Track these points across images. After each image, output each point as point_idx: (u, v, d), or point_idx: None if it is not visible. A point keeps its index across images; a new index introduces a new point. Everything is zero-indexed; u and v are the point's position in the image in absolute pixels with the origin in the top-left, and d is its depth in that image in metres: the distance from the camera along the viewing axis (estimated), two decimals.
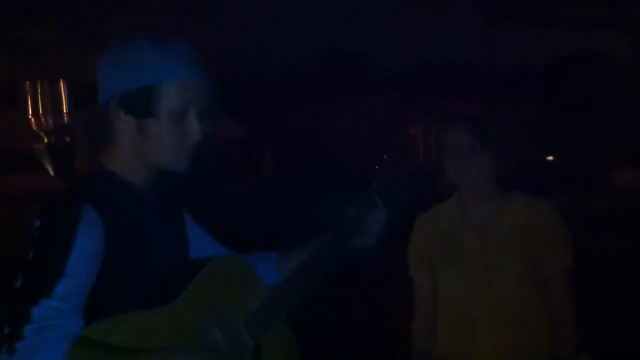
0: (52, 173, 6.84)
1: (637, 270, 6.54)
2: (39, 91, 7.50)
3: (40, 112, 7.42)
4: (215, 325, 1.70)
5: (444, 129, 2.58)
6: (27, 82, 7.52)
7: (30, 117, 7.43)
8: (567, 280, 2.61)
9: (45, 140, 7.19)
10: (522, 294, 2.55)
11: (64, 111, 7.34)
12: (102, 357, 1.49)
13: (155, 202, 1.80)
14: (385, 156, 2.11)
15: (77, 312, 1.50)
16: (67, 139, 7.07)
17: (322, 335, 5.06)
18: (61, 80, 7.50)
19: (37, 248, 1.52)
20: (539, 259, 2.57)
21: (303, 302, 1.94)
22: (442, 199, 2.77)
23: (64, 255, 1.51)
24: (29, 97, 7.54)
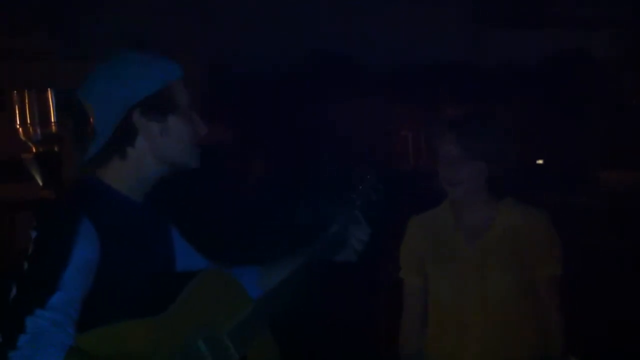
0: (40, 183, 6.84)
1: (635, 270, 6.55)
2: (26, 100, 7.49)
3: (28, 121, 7.41)
4: (201, 337, 1.73)
5: (436, 136, 2.62)
6: (15, 90, 7.51)
7: (18, 126, 7.42)
8: (556, 287, 2.64)
9: (34, 150, 7.18)
10: (513, 299, 2.58)
11: (52, 120, 7.33)
12: None
13: (148, 216, 1.86)
14: (368, 174, 2.15)
15: (71, 323, 1.54)
16: (56, 149, 7.06)
17: (308, 339, 5.07)
18: (49, 89, 7.50)
19: (33, 259, 1.56)
20: (529, 265, 2.60)
21: (288, 312, 1.98)
22: (431, 206, 2.81)
23: (61, 268, 1.55)
24: (16, 106, 7.53)
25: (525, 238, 2.58)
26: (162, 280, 1.80)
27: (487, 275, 2.57)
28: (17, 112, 7.46)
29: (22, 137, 7.25)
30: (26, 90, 7.42)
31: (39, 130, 7.31)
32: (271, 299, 1.95)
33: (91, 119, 1.77)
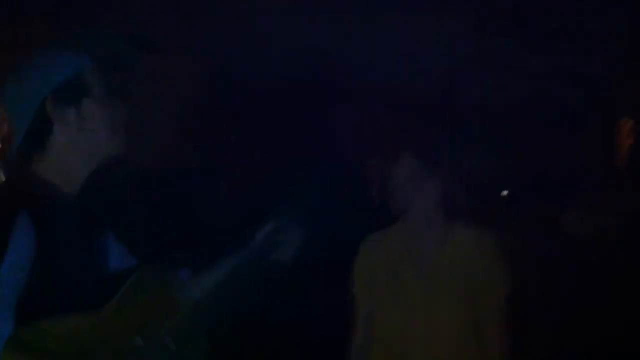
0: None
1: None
2: None
3: None
4: (140, 335, 1.72)
5: (389, 159, 2.58)
6: None
7: None
8: (503, 313, 2.58)
9: None
10: (459, 325, 2.56)
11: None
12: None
13: (84, 211, 1.83)
14: (314, 179, 2.15)
15: (7, 312, 1.51)
16: None
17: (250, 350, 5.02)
18: None
19: None
20: (479, 291, 2.57)
21: (227, 317, 1.97)
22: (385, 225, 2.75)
23: None
24: None
25: (475, 263, 2.56)
26: (97, 276, 1.78)
27: (434, 301, 2.55)
28: None
29: None
30: None
31: None
32: (209, 298, 1.94)
33: (9, 120, 1.77)
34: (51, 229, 1.64)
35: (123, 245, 2.02)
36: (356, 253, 2.80)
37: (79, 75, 1.78)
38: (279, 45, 5.34)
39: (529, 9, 5.17)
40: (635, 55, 6.07)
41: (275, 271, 2.18)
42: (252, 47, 5.34)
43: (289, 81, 5.86)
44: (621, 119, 7.65)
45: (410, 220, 2.61)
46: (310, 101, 6.24)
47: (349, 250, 2.83)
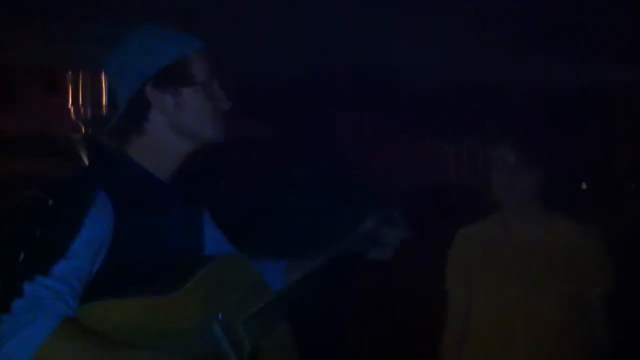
0: (87, 163, 6.92)
1: None
2: (80, 81, 7.60)
3: (80, 101, 7.52)
4: (216, 322, 1.70)
5: (493, 146, 2.55)
6: (70, 70, 7.62)
7: (70, 105, 7.52)
8: (605, 307, 2.54)
9: (83, 130, 7.28)
10: (561, 317, 2.51)
11: (104, 103, 7.44)
12: (85, 344, 1.50)
13: (173, 196, 1.83)
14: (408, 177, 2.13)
15: (73, 295, 1.50)
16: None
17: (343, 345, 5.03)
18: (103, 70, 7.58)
19: (44, 226, 1.54)
20: (579, 284, 2.53)
21: (310, 310, 1.95)
22: (477, 217, 2.74)
23: (69, 236, 1.52)
24: (70, 86, 7.64)
25: (577, 255, 2.51)
26: (184, 263, 1.78)
27: (535, 292, 2.50)
28: (69, 92, 7.58)
29: (72, 116, 7.36)
30: (80, 71, 7.52)
31: (89, 111, 7.42)
32: (292, 292, 1.92)
33: (109, 91, 1.78)
34: (133, 212, 1.64)
35: (222, 235, 2.02)
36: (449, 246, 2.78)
37: (185, 61, 1.78)
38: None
39: (527, 9, 5.00)
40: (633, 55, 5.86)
41: (372, 266, 2.16)
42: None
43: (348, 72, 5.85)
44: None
45: (509, 212, 2.58)
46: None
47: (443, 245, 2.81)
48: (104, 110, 7.47)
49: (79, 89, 7.74)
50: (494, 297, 2.56)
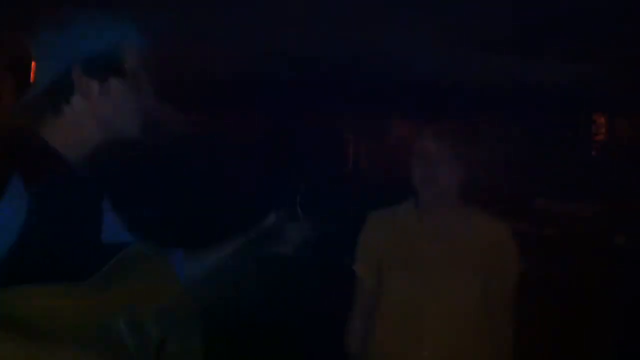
0: None
1: None
2: None
3: None
4: (123, 316, 1.67)
5: (416, 135, 2.59)
6: None
7: None
8: (511, 302, 2.61)
9: None
10: (472, 306, 2.56)
11: None
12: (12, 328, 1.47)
13: (84, 182, 1.79)
14: (308, 169, 2.14)
15: None
16: None
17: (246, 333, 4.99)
18: None
19: None
20: (489, 276, 2.58)
21: (218, 305, 1.94)
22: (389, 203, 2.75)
23: None
24: None
25: (488, 248, 2.58)
26: (87, 249, 1.74)
27: (449, 278, 2.55)
28: None
29: None
30: None
31: None
32: (201, 284, 1.91)
33: (31, 69, 1.74)
34: (47, 196, 1.60)
35: (119, 220, 1.98)
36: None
37: (115, 49, 1.74)
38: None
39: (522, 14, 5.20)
40: (614, 53, 6.15)
41: (274, 262, 2.16)
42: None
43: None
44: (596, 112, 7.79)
45: (424, 200, 2.62)
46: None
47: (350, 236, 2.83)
48: None
49: None
50: (401, 284, 2.59)
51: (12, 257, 1.54)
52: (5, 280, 1.51)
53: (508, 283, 2.61)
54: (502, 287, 2.60)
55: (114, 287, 1.66)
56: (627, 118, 8.20)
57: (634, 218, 6.38)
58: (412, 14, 5.05)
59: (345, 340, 2.76)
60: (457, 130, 2.60)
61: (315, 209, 2.13)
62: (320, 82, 6.38)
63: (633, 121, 8.23)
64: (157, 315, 1.71)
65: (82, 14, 1.76)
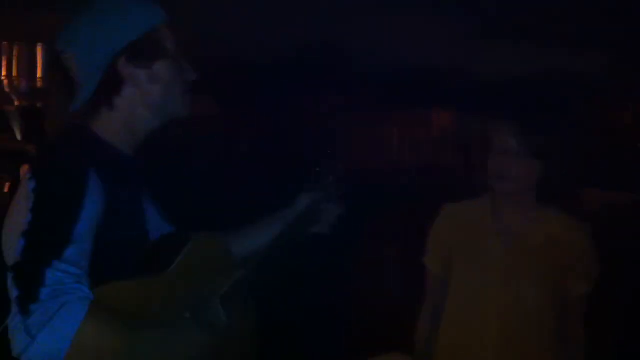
0: (18, 136, 6.76)
1: None
2: (15, 53, 7.42)
3: (15, 74, 7.35)
4: (192, 303, 1.74)
5: (492, 127, 2.52)
6: (3, 42, 7.43)
7: (3, 78, 7.35)
8: (583, 307, 2.53)
9: (17, 103, 7.12)
10: (538, 309, 2.46)
11: (38, 75, 7.29)
12: (114, 325, 1.51)
13: (137, 172, 1.84)
14: (335, 152, 2.15)
15: (85, 277, 1.49)
16: (39, 104, 7.02)
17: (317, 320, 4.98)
18: (38, 43, 7.42)
19: (40, 211, 1.51)
20: (562, 279, 2.49)
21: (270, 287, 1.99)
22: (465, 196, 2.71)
23: (73, 220, 1.48)
24: (3, 58, 7.45)
25: (564, 251, 2.42)
26: (142, 238, 1.79)
27: (517, 280, 2.42)
28: (3, 63, 7.39)
29: (6, 89, 7.20)
30: (15, 43, 7.35)
31: (24, 84, 7.26)
32: (258, 265, 1.97)
33: (74, 70, 1.74)
34: (115, 189, 1.65)
35: (160, 211, 2.02)
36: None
37: (155, 33, 1.74)
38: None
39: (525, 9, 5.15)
40: (633, 52, 6.04)
41: (311, 243, 2.20)
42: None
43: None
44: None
45: (500, 198, 2.55)
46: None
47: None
48: (39, 83, 7.30)
49: (12, 61, 7.55)
50: (470, 281, 2.54)
51: (96, 251, 1.59)
52: (92, 273, 1.56)
53: (581, 287, 2.52)
54: (574, 291, 2.51)
55: (187, 275, 1.73)
56: None
57: None
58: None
59: (414, 334, 2.72)
60: (537, 127, 2.52)
61: (346, 189, 2.15)
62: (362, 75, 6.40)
63: None
64: (222, 299, 1.78)
65: (108, 2, 1.76)
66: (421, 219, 2.82)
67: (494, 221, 2.54)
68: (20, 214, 1.53)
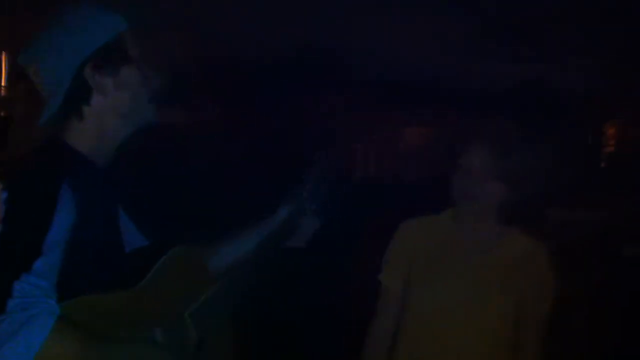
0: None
1: None
2: None
3: None
4: (161, 318, 1.71)
5: (462, 145, 2.54)
6: None
7: None
8: (544, 326, 2.56)
9: None
10: (498, 325, 2.53)
11: (2, 84, 7.17)
12: (80, 339, 1.50)
13: (109, 185, 1.81)
14: (316, 160, 2.12)
15: (53, 290, 1.51)
16: (3, 113, 6.90)
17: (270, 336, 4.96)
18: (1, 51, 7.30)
19: (11, 221, 1.50)
20: (522, 298, 2.54)
21: (245, 299, 1.95)
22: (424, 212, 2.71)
23: (43, 232, 1.51)
24: None
25: (523, 271, 2.53)
26: (118, 254, 1.76)
27: (479, 296, 2.51)
28: None
29: None
30: None
31: None
32: (231, 279, 1.92)
33: (40, 83, 1.72)
34: (86, 201, 1.62)
35: (133, 223, 1.99)
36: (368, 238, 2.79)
37: (118, 39, 1.74)
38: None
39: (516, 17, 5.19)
40: (623, 60, 6.13)
41: (288, 256, 2.15)
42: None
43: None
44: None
45: (463, 212, 2.57)
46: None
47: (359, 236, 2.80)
48: (3, 92, 7.17)
49: None
50: (433, 292, 2.56)
51: (66, 266, 1.56)
52: (60, 287, 1.53)
53: (541, 305, 2.56)
54: (534, 308, 2.55)
55: (160, 289, 1.70)
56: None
57: None
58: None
59: (365, 347, 2.72)
60: (501, 147, 2.53)
61: (321, 203, 2.12)
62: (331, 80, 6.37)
63: None
64: (194, 312, 1.74)
65: (74, 10, 1.75)
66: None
67: (456, 237, 2.55)
68: None
